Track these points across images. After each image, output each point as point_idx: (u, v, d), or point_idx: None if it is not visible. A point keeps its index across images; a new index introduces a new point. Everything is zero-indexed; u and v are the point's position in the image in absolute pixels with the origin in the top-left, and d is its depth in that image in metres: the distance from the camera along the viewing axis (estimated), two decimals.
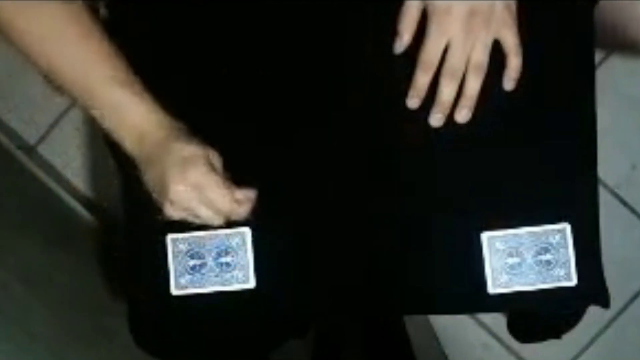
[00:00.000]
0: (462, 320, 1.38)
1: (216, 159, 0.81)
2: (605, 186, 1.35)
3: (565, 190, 0.83)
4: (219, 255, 0.85)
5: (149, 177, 0.81)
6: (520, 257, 0.83)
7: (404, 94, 0.83)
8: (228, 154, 0.83)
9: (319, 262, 0.86)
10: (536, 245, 0.83)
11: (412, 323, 1.22)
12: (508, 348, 1.38)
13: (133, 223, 0.87)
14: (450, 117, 0.83)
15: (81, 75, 0.80)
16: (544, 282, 0.83)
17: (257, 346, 0.94)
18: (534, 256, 0.83)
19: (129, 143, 0.81)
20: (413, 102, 0.82)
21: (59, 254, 1.15)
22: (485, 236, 0.83)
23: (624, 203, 1.36)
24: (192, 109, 0.83)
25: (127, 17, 0.87)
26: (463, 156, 0.84)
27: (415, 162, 0.84)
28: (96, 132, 0.89)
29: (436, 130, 0.83)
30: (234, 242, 0.85)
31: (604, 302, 0.85)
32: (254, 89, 0.85)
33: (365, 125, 0.84)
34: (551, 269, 0.83)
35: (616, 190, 1.36)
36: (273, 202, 0.84)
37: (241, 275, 0.85)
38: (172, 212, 0.80)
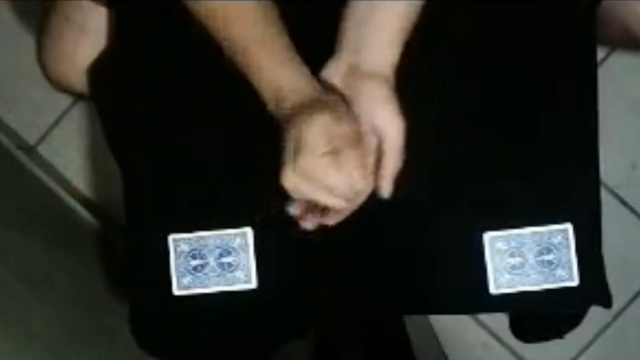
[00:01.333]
0: (462, 320, 1.38)
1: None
2: (605, 186, 1.35)
3: (566, 190, 0.83)
4: (220, 255, 0.85)
5: (288, 137, 0.75)
6: (522, 258, 0.83)
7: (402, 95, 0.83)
8: (227, 151, 0.83)
9: (320, 262, 0.86)
10: (538, 246, 0.83)
11: (412, 323, 1.22)
12: (508, 348, 1.38)
13: (134, 223, 0.87)
14: (450, 116, 0.83)
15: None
16: (546, 283, 0.83)
17: (258, 346, 0.94)
18: (536, 256, 0.83)
19: (267, 96, 0.77)
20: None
21: (59, 254, 1.14)
22: (487, 236, 0.83)
23: (624, 203, 1.36)
24: (194, 102, 0.83)
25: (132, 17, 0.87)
26: (464, 156, 0.84)
27: (415, 162, 0.84)
28: (97, 132, 0.88)
29: (437, 130, 0.83)
30: (236, 242, 0.85)
31: (606, 302, 0.86)
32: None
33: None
34: (553, 269, 0.83)
35: (616, 190, 1.36)
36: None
37: (243, 276, 0.85)
38: (293, 181, 0.74)
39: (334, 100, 0.76)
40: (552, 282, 0.83)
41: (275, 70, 0.76)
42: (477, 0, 0.82)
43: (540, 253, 0.83)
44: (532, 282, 0.83)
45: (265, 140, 0.85)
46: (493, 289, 0.83)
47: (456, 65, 0.84)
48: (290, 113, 0.75)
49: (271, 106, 0.77)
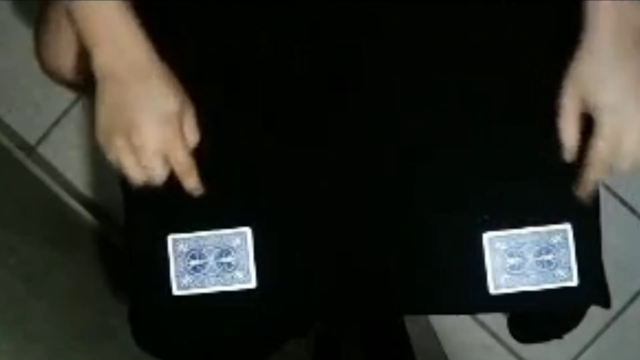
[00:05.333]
0: (462, 320, 1.38)
1: (190, 121, 0.80)
2: (606, 186, 1.35)
3: (566, 190, 0.83)
4: (220, 255, 0.85)
5: (112, 97, 0.77)
6: (521, 258, 0.83)
7: (402, 98, 0.83)
8: (227, 151, 0.83)
9: (320, 262, 0.86)
10: (537, 246, 0.83)
11: (412, 323, 1.22)
12: (508, 348, 1.38)
13: (134, 223, 0.87)
14: (449, 117, 0.83)
15: None
16: (545, 283, 0.83)
17: (258, 346, 0.94)
18: (535, 256, 0.83)
19: (105, 53, 0.77)
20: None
21: (59, 254, 1.15)
22: (486, 236, 0.83)
23: (624, 203, 1.36)
24: (194, 101, 0.83)
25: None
26: (463, 156, 0.84)
27: (415, 163, 0.84)
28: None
29: (437, 130, 0.83)
30: (235, 242, 0.85)
31: (605, 302, 0.86)
32: (258, 87, 0.85)
33: (364, 125, 0.84)
34: (552, 270, 0.83)
35: (616, 190, 1.36)
36: (274, 202, 0.84)
37: (242, 276, 0.85)
38: (107, 143, 0.77)
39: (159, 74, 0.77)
40: (552, 282, 0.83)
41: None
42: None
43: (540, 253, 0.83)
44: (532, 282, 0.83)
45: (265, 139, 0.85)
46: (492, 289, 0.83)
47: (455, 66, 0.84)
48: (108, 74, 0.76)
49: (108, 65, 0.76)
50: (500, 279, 0.83)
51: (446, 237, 0.84)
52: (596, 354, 1.38)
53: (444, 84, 0.83)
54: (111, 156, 0.79)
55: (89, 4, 0.76)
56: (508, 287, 0.83)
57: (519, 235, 0.83)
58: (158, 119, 0.78)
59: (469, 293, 0.85)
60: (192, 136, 0.81)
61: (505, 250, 0.83)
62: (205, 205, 0.85)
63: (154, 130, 0.77)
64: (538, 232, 0.83)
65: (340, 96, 0.84)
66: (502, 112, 0.83)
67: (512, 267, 0.83)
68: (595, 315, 0.92)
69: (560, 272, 0.83)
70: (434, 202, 0.84)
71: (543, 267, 0.83)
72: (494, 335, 1.38)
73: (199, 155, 0.82)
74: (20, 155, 1.34)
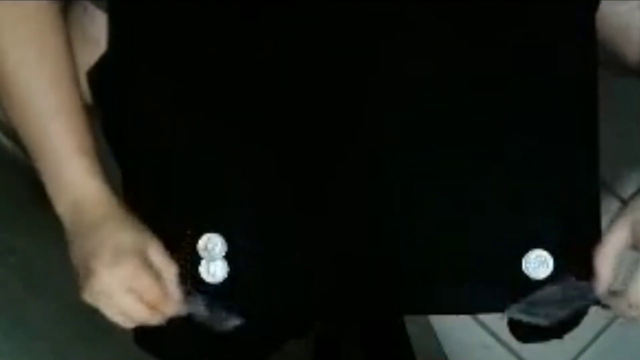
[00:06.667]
0: (462, 320, 1.38)
1: (155, 253, 0.80)
2: (606, 186, 1.35)
3: (566, 190, 0.83)
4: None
5: (76, 252, 0.79)
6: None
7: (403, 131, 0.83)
8: (228, 153, 0.83)
9: (319, 262, 0.86)
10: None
11: (412, 323, 1.22)
12: (508, 348, 1.38)
13: None
14: (450, 118, 0.83)
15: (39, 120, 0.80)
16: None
17: (258, 346, 0.94)
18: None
19: (62, 205, 0.80)
20: None
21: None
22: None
23: (624, 203, 1.36)
24: (194, 103, 0.83)
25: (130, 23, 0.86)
26: (462, 156, 0.84)
27: (415, 163, 0.84)
28: (97, 132, 0.88)
29: (436, 131, 0.83)
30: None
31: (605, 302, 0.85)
32: (252, 89, 0.85)
33: (364, 125, 0.84)
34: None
35: (616, 190, 1.36)
36: (274, 202, 0.84)
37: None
38: (89, 298, 0.78)
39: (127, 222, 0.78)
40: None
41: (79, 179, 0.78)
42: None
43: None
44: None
45: (266, 143, 0.85)
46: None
47: (455, 72, 0.84)
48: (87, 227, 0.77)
49: (66, 218, 0.78)
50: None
51: (446, 237, 0.84)
52: (596, 354, 1.38)
53: (448, 91, 0.83)
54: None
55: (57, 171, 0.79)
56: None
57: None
58: (109, 261, 0.77)
59: (469, 293, 0.85)
60: (166, 267, 0.80)
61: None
62: (206, 206, 0.85)
63: (108, 272, 0.76)
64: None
65: (343, 99, 0.84)
66: (501, 115, 0.84)
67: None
68: (595, 315, 0.92)
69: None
70: (435, 202, 0.85)
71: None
72: (494, 335, 1.38)
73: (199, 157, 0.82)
74: (20, 155, 1.34)
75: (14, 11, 0.80)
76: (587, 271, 0.82)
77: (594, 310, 0.88)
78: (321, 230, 0.85)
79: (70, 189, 0.79)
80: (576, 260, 0.83)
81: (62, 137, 0.79)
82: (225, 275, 0.84)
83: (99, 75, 0.90)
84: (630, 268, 0.76)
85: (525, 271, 0.84)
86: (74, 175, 0.79)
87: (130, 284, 0.77)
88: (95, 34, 0.89)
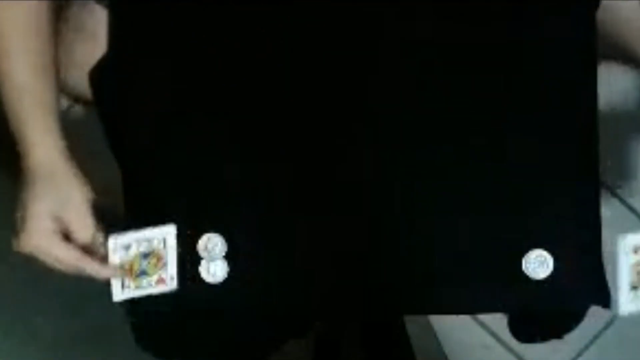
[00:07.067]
0: (462, 320, 1.38)
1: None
2: (606, 186, 1.35)
3: (566, 190, 0.83)
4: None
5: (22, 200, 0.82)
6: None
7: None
8: (228, 152, 0.83)
9: (319, 262, 0.86)
10: None
11: (412, 323, 1.22)
12: (508, 348, 1.38)
13: (134, 223, 0.87)
14: (451, 120, 0.83)
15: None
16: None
17: (258, 346, 0.94)
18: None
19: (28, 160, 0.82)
20: None
21: None
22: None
23: (624, 203, 1.36)
24: (195, 103, 0.83)
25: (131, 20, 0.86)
26: (461, 157, 0.84)
27: (415, 163, 0.84)
28: (96, 133, 0.88)
29: (435, 132, 0.83)
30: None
31: (605, 302, 0.85)
32: (251, 85, 0.85)
33: (364, 125, 0.84)
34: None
35: (616, 189, 1.36)
36: (274, 202, 0.84)
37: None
38: (27, 242, 0.81)
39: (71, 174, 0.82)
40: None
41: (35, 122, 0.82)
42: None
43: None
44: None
45: (266, 143, 0.85)
46: None
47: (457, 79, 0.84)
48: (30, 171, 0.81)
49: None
50: None
51: (446, 237, 0.84)
52: (596, 354, 1.38)
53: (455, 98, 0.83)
54: None
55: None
56: None
57: None
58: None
59: (469, 293, 0.85)
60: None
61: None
62: (207, 206, 0.85)
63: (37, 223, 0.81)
64: None
65: (340, 104, 0.84)
66: (501, 116, 0.84)
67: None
68: (595, 315, 0.92)
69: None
70: (435, 203, 0.84)
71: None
72: (494, 335, 1.38)
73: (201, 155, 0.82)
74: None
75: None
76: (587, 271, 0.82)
77: (594, 310, 0.88)
78: (321, 230, 0.85)
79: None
80: (576, 261, 0.83)
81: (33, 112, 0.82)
82: (225, 275, 0.84)
83: (100, 75, 0.90)
84: None
85: (525, 271, 0.84)
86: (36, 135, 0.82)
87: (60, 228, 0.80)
88: (93, 28, 0.89)
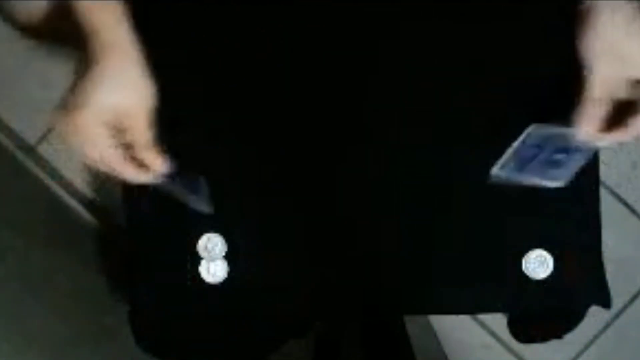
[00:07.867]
0: (462, 320, 1.38)
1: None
2: (605, 186, 1.35)
3: (567, 190, 0.83)
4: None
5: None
6: (539, 150, 0.80)
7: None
8: (228, 152, 0.83)
9: (320, 262, 0.86)
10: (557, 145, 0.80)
11: (412, 323, 1.22)
12: (508, 348, 1.38)
13: (135, 223, 0.87)
14: (452, 119, 0.83)
15: None
16: (537, 177, 0.80)
17: (258, 346, 0.94)
18: (550, 153, 0.80)
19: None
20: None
21: (59, 254, 1.15)
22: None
23: (624, 203, 1.37)
24: (194, 102, 0.83)
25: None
26: (462, 157, 0.84)
27: (415, 163, 0.85)
28: None
29: (435, 133, 0.83)
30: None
31: (606, 302, 0.86)
32: (260, 82, 0.85)
33: (364, 125, 0.84)
34: (553, 168, 0.80)
35: (616, 189, 1.36)
36: (274, 202, 0.84)
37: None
38: (74, 120, 0.77)
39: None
40: (541, 179, 0.80)
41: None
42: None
43: (556, 151, 0.79)
44: (527, 176, 0.80)
45: (266, 143, 0.85)
46: (494, 170, 0.81)
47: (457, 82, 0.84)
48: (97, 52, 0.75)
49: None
50: (507, 164, 0.80)
51: (446, 237, 0.84)
52: (596, 354, 1.38)
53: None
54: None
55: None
56: (506, 174, 0.81)
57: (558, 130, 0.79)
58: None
59: (469, 293, 0.85)
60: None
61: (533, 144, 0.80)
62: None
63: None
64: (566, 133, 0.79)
65: (341, 103, 0.84)
66: (501, 115, 0.84)
67: (525, 158, 0.81)
68: (595, 315, 0.92)
69: (558, 173, 0.80)
70: (435, 203, 0.85)
71: (548, 165, 0.81)
72: (494, 334, 1.38)
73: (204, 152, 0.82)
74: (20, 155, 1.35)
75: None
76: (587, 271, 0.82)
77: (594, 310, 0.89)
78: (321, 231, 0.85)
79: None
80: (576, 260, 0.83)
81: None
82: (225, 275, 0.84)
83: None
84: None
85: (525, 271, 0.84)
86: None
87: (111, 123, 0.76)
88: None
